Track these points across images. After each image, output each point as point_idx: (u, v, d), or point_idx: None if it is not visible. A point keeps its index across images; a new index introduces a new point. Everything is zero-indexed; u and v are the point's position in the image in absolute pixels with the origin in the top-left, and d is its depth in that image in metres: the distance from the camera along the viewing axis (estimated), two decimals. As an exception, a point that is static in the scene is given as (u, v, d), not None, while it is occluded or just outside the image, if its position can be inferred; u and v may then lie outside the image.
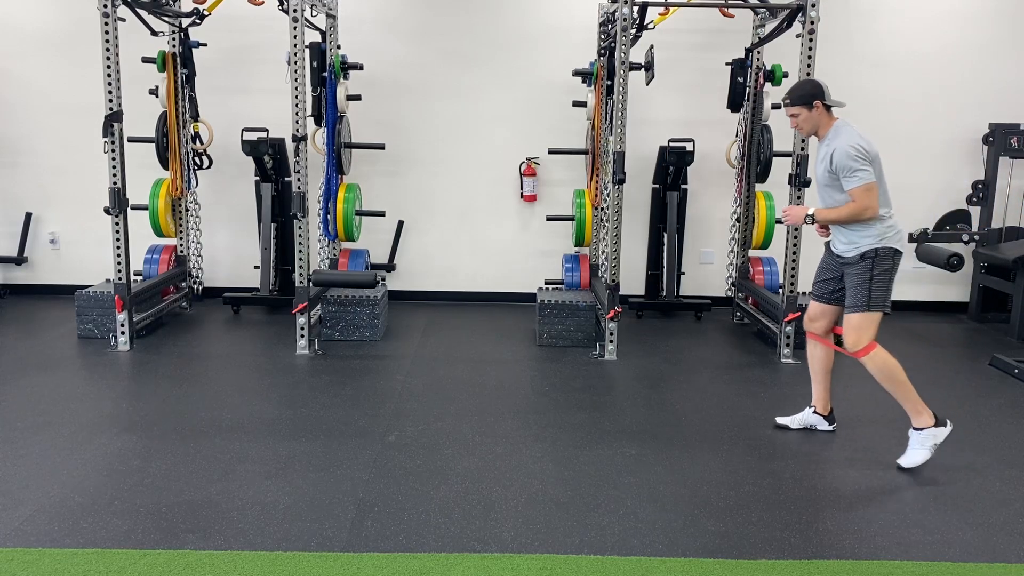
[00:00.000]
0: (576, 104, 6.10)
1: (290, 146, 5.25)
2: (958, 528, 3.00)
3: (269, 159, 5.95)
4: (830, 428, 3.93)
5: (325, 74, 5.65)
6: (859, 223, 3.52)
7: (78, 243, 6.55)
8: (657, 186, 6.25)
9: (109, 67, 4.89)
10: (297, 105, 5.00)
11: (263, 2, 5.49)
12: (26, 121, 6.40)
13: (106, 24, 4.85)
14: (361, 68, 5.93)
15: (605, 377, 4.77)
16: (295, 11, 4.90)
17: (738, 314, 6.14)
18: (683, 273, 6.45)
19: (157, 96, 5.69)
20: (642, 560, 2.74)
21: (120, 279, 5.09)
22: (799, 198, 5.05)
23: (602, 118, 5.63)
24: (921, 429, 3.50)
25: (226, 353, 5.19)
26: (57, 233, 6.58)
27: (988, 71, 6.26)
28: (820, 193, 3.67)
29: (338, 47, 6.00)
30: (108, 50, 4.88)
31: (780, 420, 3.99)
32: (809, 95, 3.56)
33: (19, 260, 6.52)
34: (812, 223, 3.63)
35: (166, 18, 5.53)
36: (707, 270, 6.57)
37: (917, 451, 3.50)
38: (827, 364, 3.87)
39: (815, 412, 3.93)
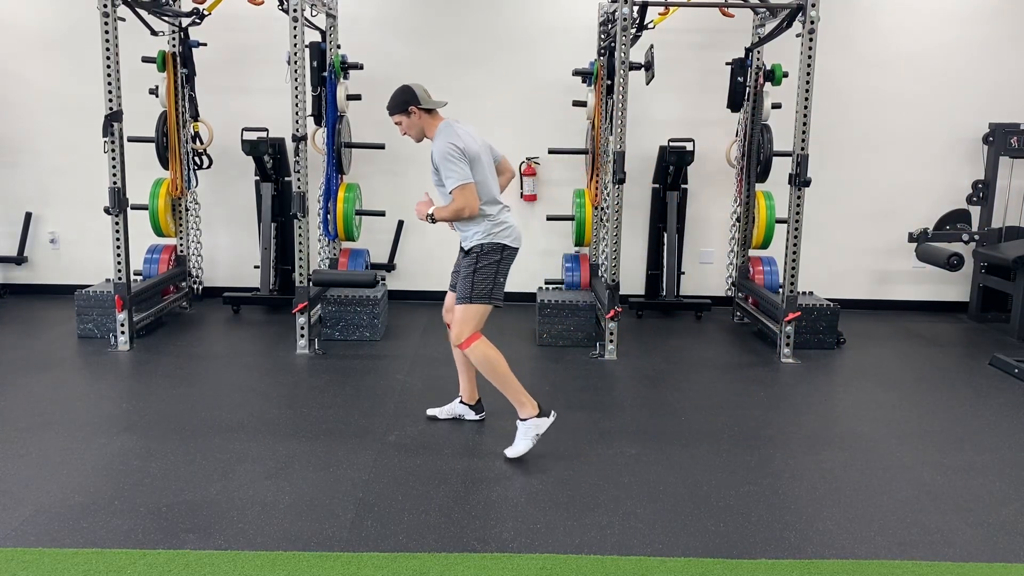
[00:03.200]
0: (576, 104, 6.10)
1: (290, 146, 5.25)
2: (958, 528, 3.00)
3: (269, 159, 5.95)
4: (477, 418, 3.97)
5: (325, 74, 5.65)
6: (467, 220, 3.53)
7: (78, 243, 6.55)
8: (657, 186, 6.25)
9: (109, 67, 4.89)
10: (297, 105, 5.00)
11: (263, 2, 5.49)
12: (26, 121, 6.41)
13: (106, 24, 4.85)
14: (361, 68, 5.93)
15: (605, 377, 4.77)
16: (295, 11, 4.90)
17: (738, 314, 6.14)
18: (683, 273, 6.45)
19: (157, 96, 5.69)
20: (642, 560, 2.74)
21: (120, 279, 5.09)
22: (799, 198, 5.05)
23: (602, 118, 5.64)
24: (525, 419, 3.53)
25: (226, 353, 5.19)
26: (57, 233, 6.58)
27: (988, 71, 6.26)
28: (435, 193, 3.67)
29: (338, 47, 6.00)
30: (108, 50, 4.87)
31: (430, 411, 4.04)
32: (403, 102, 3.55)
33: (19, 260, 6.52)
34: (433, 222, 3.58)
35: (166, 18, 5.53)
36: (707, 270, 6.58)
37: (521, 441, 3.52)
38: None
39: (462, 402, 3.98)
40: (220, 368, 4.89)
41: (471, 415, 3.99)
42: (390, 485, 3.27)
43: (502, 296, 3.65)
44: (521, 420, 3.55)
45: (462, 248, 3.68)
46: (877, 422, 4.08)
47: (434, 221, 3.57)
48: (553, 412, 3.60)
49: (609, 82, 5.52)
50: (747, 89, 5.78)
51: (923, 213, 6.34)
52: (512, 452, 3.54)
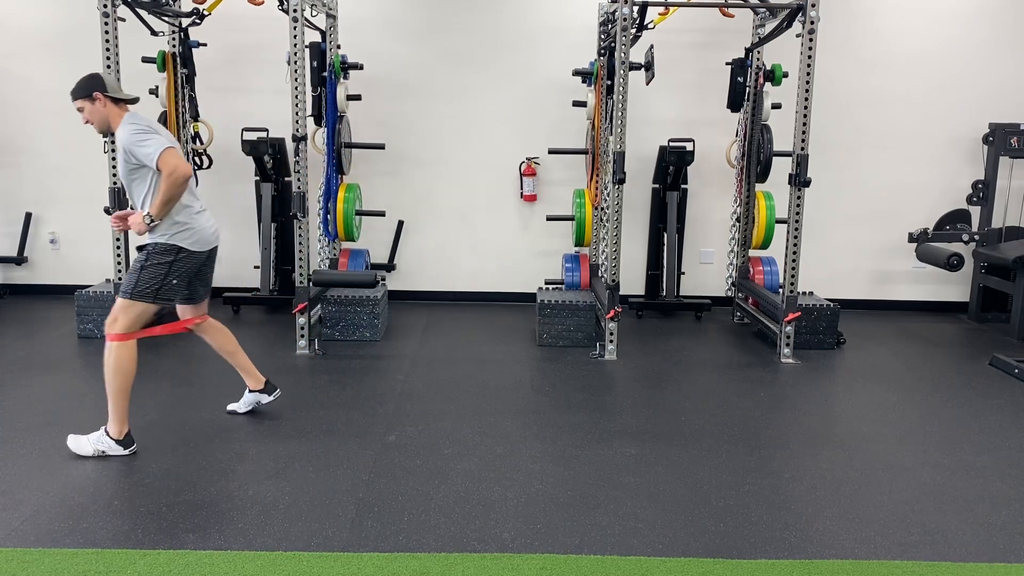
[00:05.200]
0: (576, 104, 6.10)
1: (290, 146, 5.25)
2: (958, 528, 3.00)
3: (269, 159, 5.95)
4: (272, 398, 4.00)
5: (325, 74, 5.65)
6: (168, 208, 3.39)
7: (78, 243, 6.55)
8: (657, 186, 6.25)
9: (109, 67, 4.89)
10: (297, 105, 5.00)
11: (263, 2, 5.49)
12: (26, 121, 6.41)
13: (106, 24, 4.85)
14: (361, 68, 5.93)
15: (605, 377, 4.77)
16: (295, 11, 4.90)
17: (738, 314, 6.14)
18: (683, 273, 6.45)
19: (157, 96, 5.69)
20: (642, 560, 2.74)
21: (120, 279, 5.08)
22: (799, 198, 5.05)
23: (602, 118, 5.63)
24: (107, 433, 3.47)
25: (226, 353, 5.19)
26: (57, 233, 6.58)
27: (988, 71, 6.26)
28: (128, 191, 3.51)
29: (338, 47, 6.00)
30: (108, 50, 4.88)
31: (230, 407, 4.04)
32: (87, 87, 3.46)
33: (19, 260, 6.52)
34: (152, 223, 3.40)
35: (166, 18, 5.53)
36: (707, 270, 6.58)
37: (87, 444, 3.46)
38: (225, 344, 3.89)
39: (251, 391, 4.00)
40: (220, 368, 4.85)
41: (266, 399, 4.01)
42: (390, 485, 3.27)
43: (176, 298, 3.55)
44: (105, 431, 3.47)
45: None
46: (877, 422, 4.07)
47: (153, 221, 3.39)
48: (134, 447, 3.50)
49: (609, 82, 5.52)
50: (747, 89, 5.78)
51: (923, 213, 6.34)
52: (74, 444, 3.48)
